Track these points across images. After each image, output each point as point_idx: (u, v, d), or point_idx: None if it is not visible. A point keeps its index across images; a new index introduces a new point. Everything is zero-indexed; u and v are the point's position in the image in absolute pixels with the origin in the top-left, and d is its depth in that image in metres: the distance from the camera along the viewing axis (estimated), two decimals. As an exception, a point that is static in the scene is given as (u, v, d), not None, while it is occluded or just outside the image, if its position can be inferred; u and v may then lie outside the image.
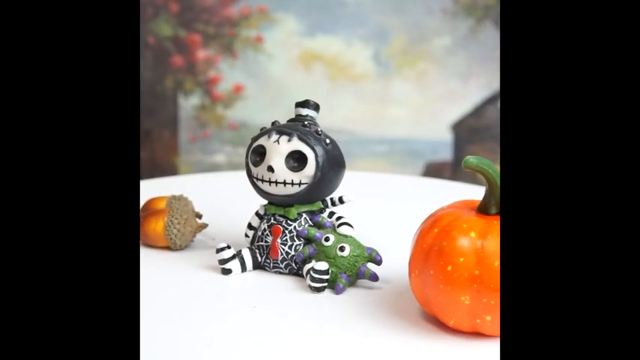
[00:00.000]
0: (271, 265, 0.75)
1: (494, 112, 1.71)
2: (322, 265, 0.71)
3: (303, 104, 0.79)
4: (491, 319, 0.61)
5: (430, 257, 0.63)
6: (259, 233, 0.76)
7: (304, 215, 0.75)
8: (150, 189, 1.06)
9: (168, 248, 0.81)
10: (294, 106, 0.79)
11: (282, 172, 0.72)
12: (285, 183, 0.73)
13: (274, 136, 0.74)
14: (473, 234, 0.62)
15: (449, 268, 0.61)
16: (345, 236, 0.74)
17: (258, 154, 0.75)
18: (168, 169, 1.76)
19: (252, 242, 0.78)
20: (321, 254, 0.73)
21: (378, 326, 0.66)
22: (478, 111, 1.72)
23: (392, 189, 1.11)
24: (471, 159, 0.65)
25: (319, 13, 1.70)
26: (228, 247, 0.76)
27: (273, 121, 0.78)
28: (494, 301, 0.60)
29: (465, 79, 1.71)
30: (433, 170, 1.74)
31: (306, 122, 0.76)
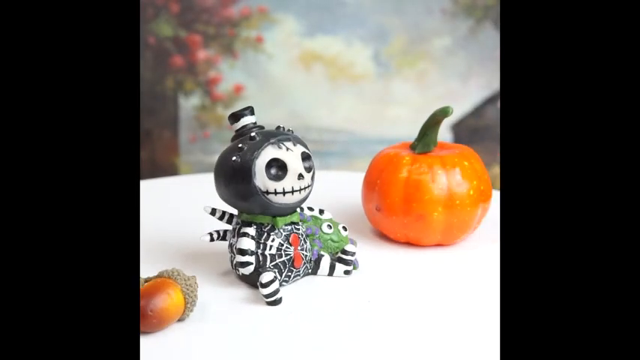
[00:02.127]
0: (292, 276, 0.74)
1: (494, 112, 1.71)
2: (351, 247, 0.76)
3: (249, 112, 0.73)
4: (417, 233, 0.81)
5: (376, 187, 0.82)
6: (273, 251, 0.72)
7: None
8: (150, 189, 1.06)
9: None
10: (231, 117, 0.73)
11: (306, 176, 0.71)
12: (307, 187, 0.72)
13: (284, 146, 0.70)
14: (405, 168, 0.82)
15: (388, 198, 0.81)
16: (332, 219, 0.79)
17: (278, 168, 0.70)
18: (168, 169, 1.76)
19: (262, 266, 0.72)
20: (327, 242, 0.76)
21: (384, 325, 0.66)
22: (478, 111, 1.72)
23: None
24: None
25: (319, 14, 1.70)
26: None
27: (246, 135, 0.72)
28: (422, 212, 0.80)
29: (464, 79, 1.71)
30: (433, 170, 1.74)
31: (280, 126, 0.74)
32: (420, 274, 0.77)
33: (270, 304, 0.70)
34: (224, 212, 0.76)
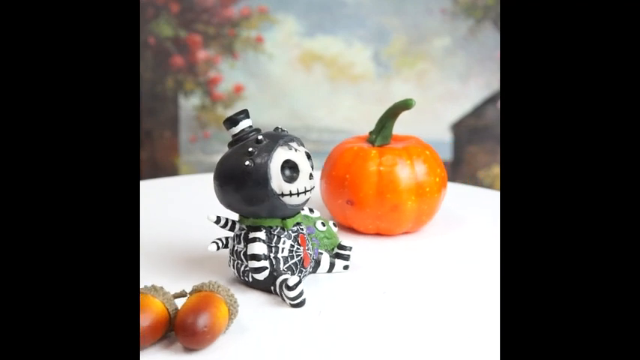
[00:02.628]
0: (302, 276, 0.74)
1: (494, 112, 1.71)
2: (347, 243, 0.76)
3: (245, 115, 0.72)
4: (390, 223, 0.84)
5: (346, 182, 0.84)
6: (286, 253, 0.71)
7: None
8: (150, 189, 1.06)
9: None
10: (228, 122, 0.72)
11: (313, 175, 0.72)
12: (313, 187, 0.72)
13: (289, 147, 0.70)
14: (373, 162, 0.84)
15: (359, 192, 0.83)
16: (321, 217, 0.80)
17: (290, 169, 0.70)
18: (168, 169, 1.76)
19: (276, 269, 0.71)
20: (323, 240, 0.77)
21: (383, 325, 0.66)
22: (478, 111, 1.72)
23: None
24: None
25: (319, 14, 1.71)
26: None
27: (253, 137, 0.71)
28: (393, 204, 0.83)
29: (464, 79, 1.71)
30: (433, 170, 1.74)
31: (278, 127, 0.74)
32: (409, 261, 0.80)
33: (295, 306, 0.70)
34: (227, 219, 0.74)
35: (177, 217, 0.93)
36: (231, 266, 0.73)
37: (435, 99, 1.71)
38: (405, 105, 0.85)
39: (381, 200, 0.83)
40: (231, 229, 0.74)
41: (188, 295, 0.65)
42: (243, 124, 0.72)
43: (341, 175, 0.85)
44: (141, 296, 0.62)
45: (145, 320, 0.61)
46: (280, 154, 0.69)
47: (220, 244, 0.73)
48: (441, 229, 0.90)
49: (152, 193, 1.05)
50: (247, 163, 0.68)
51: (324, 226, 0.78)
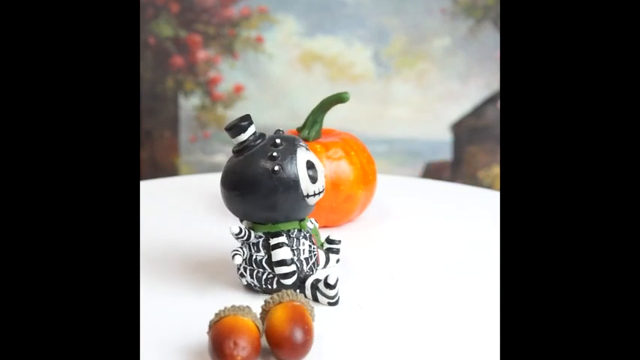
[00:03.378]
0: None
1: (494, 112, 1.71)
2: (336, 236, 0.77)
3: (249, 122, 0.71)
4: (342, 214, 0.86)
5: None
6: (307, 254, 0.72)
7: None
8: (150, 189, 1.06)
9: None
10: (235, 130, 0.71)
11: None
12: None
13: (305, 147, 0.71)
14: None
15: None
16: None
17: (311, 170, 0.70)
18: (168, 169, 1.76)
19: (301, 271, 0.71)
20: (316, 236, 0.77)
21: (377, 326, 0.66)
22: (478, 111, 1.72)
23: (391, 190, 1.11)
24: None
25: (319, 14, 1.70)
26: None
27: (271, 135, 0.71)
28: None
29: (464, 79, 1.71)
30: (433, 170, 1.74)
31: (279, 129, 0.74)
32: (377, 248, 0.83)
33: (333, 304, 0.70)
34: (245, 229, 0.71)
35: (178, 218, 0.93)
36: (249, 276, 0.71)
37: (435, 99, 1.71)
38: (339, 99, 0.87)
39: (335, 192, 0.85)
40: (248, 238, 0.71)
41: (264, 308, 0.63)
42: (250, 131, 0.70)
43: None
44: (231, 319, 0.60)
45: (246, 343, 0.58)
46: (302, 156, 0.69)
47: (242, 254, 0.71)
48: (441, 228, 0.90)
49: (152, 193, 1.05)
50: (276, 168, 0.68)
51: (312, 224, 0.77)
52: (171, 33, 1.71)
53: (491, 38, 1.68)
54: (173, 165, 1.76)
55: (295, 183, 0.68)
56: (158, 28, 1.71)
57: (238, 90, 1.74)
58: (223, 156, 1.76)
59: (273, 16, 1.71)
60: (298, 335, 0.59)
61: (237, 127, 0.70)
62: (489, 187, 1.71)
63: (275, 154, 0.68)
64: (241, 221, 0.72)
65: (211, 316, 0.62)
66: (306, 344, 0.59)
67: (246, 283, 0.72)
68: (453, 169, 1.74)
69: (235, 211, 0.71)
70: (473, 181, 1.73)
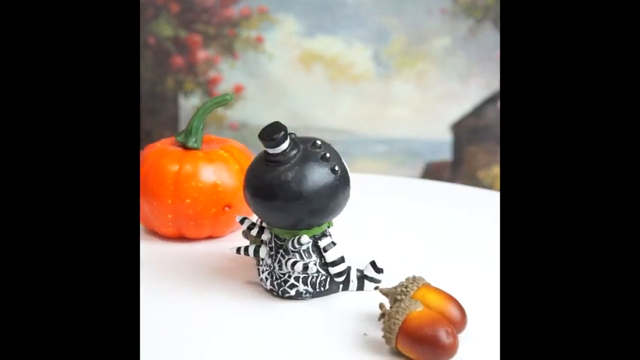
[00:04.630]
0: None
1: (494, 112, 1.71)
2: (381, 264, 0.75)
3: (285, 130, 0.69)
4: (221, 225, 0.83)
5: (146, 184, 0.82)
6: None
7: None
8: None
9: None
10: (276, 140, 0.68)
11: None
12: None
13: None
14: (175, 164, 0.82)
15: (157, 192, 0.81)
16: None
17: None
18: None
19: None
20: None
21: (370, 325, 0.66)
22: (478, 111, 1.72)
23: (391, 190, 1.11)
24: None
25: (319, 14, 1.70)
26: None
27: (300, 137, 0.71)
28: (191, 212, 0.81)
29: (464, 79, 1.71)
30: (433, 170, 1.74)
31: (293, 133, 0.73)
32: (378, 249, 0.79)
33: (377, 287, 0.70)
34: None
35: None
36: (303, 284, 0.70)
37: (435, 99, 1.71)
38: (222, 100, 0.84)
39: (216, 199, 0.81)
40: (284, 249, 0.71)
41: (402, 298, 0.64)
42: (288, 138, 0.69)
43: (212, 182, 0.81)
44: (425, 311, 0.62)
45: (451, 329, 0.60)
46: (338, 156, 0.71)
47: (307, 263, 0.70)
48: (441, 228, 0.90)
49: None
50: (336, 167, 0.69)
51: None
52: (171, 33, 1.71)
53: (491, 38, 1.68)
54: (173, 165, 1.76)
55: (348, 178, 0.70)
56: (158, 28, 1.71)
57: (238, 90, 1.74)
58: (223, 156, 1.76)
59: (273, 16, 1.71)
60: (444, 336, 0.60)
61: (279, 137, 0.67)
62: (489, 187, 1.71)
63: (327, 154, 0.69)
64: (266, 230, 0.71)
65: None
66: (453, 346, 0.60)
67: (293, 293, 0.70)
68: (453, 169, 1.74)
69: (286, 220, 0.69)
70: (473, 181, 1.73)
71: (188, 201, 0.80)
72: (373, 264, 0.73)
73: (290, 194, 0.67)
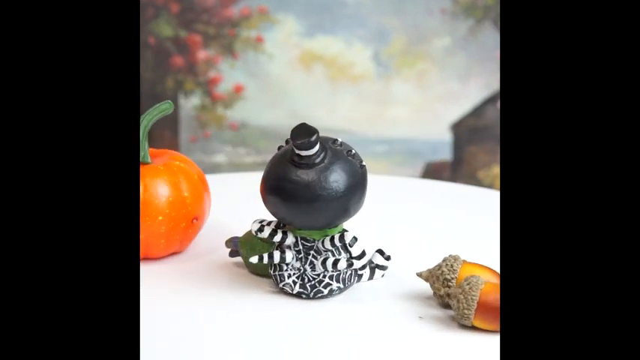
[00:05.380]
0: None
1: (494, 112, 1.71)
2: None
3: (317, 133, 0.69)
4: (187, 238, 0.79)
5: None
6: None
7: None
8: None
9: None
10: (309, 143, 0.67)
11: None
12: None
13: None
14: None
15: None
16: None
17: None
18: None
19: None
20: None
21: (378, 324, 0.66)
22: (478, 111, 1.72)
23: (391, 190, 1.11)
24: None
25: (319, 14, 1.71)
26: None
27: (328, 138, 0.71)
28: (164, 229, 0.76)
29: (464, 79, 1.71)
30: (433, 170, 1.74)
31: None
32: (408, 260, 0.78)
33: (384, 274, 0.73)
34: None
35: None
36: (336, 282, 0.70)
37: (435, 99, 1.71)
38: (163, 110, 0.79)
39: (187, 213, 0.78)
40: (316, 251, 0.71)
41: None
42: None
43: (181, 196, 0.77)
44: (492, 284, 0.65)
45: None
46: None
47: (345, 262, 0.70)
48: (440, 228, 0.90)
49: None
50: (364, 163, 0.70)
51: None
52: (171, 33, 1.71)
53: (491, 38, 1.68)
54: (173, 165, 1.76)
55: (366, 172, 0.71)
56: (158, 28, 1.71)
57: (238, 90, 1.74)
58: (223, 156, 1.76)
59: (273, 16, 1.71)
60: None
61: (314, 140, 0.67)
62: (489, 187, 1.71)
63: (353, 151, 0.70)
64: (282, 232, 0.71)
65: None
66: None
67: (326, 292, 0.70)
68: (453, 169, 1.75)
69: (323, 220, 0.69)
70: (473, 181, 1.73)
71: (160, 218, 0.76)
72: (381, 252, 0.74)
73: (332, 194, 0.67)
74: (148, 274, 0.76)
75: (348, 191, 0.68)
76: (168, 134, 1.76)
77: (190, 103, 1.75)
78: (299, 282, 0.70)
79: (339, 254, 0.70)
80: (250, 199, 0.82)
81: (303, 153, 0.67)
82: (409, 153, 1.74)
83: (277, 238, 0.70)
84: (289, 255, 0.70)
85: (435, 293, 0.69)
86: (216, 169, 1.74)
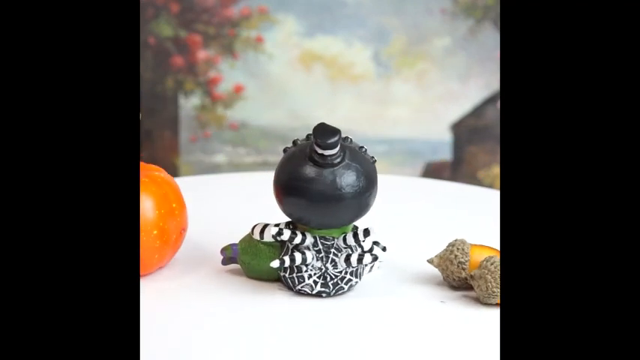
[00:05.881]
0: None
1: (494, 112, 1.71)
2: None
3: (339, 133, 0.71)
4: (156, 258, 0.74)
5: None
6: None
7: None
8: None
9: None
10: (335, 143, 0.69)
11: None
12: None
13: None
14: None
15: None
16: None
17: None
18: (168, 168, 1.75)
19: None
20: None
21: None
22: (478, 111, 1.72)
23: (391, 189, 1.11)
24: None
25: (319, 14, 1.70)
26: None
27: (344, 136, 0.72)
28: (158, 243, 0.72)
29: (464, 79, 1.71)
30: (433, 170, 1.74)
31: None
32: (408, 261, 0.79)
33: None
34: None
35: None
36: (355, 278, 0.71)
37: (435, 99, 1.71)
38: None
39: (177, 225, 0.75)
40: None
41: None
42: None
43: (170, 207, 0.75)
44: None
45: None
46: None
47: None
48: (440, 228, 0.90)
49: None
50: (374, 158, 0.73)
51: None
52: (171, 33, 1.71)
53: (491, 38, 1.68)
54: (173, 165, 1.76)
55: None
56: (158, 28, 1.71)
57: (238, 90, 1.74)
58: (223, 156, 1.76)
59: (273, 16, 1.71)
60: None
61: (338, 139, 0.69)
62: (489, 187, 1.71)
63: (364, 148, 0.72)
64: (297, 231, 0.71)
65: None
66: None
67: (346, 288, 0.71)
68: (453, 169, 1.74)
69: (346, 217, 0.70)
70: (473, 181, 1.73)
71: (155, 232, 0.72)
72: (376, 243, 0.73)
73: (357, 191, 0.69)
74: (145, 287, 0.75)
75: (369, 187, 0.70)
76: (168, 134, 1.75)
77: (190, 103, 1.74)
78: (320, 281, 0.70)
79: (357, 250, 0.70)
80: (251, 200, 0.83)
81: (327, 152, 0.67)
82: (409, 153, 1.74)
83: (297, 240, 0.70)
84: (310, 255, 0.69)
85: (446, 277, 0.72)
86: (216, 169, 1.74)
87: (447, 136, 1.73)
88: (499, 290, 0.66)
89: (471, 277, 0.69)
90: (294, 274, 0.70)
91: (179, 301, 0.71)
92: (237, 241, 0.75)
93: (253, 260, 0.73)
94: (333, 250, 0.70)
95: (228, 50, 1.72)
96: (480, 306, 0.69)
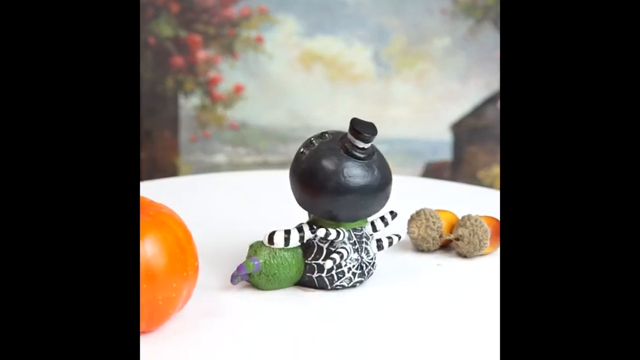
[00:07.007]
0: None
1: (494, 112, 1.71)
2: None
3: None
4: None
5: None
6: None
7: None
8: (150, 190, 1.06)
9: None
10: (370, 138, 0.71)
11: None
12: None
13: None
14: None
15: None
16: None
17: None
18: (168, 168, 1.76)
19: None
20: None
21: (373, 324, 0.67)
22: (478, 111, 1.72)
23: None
24: None
25: (319, 14, 1.71)
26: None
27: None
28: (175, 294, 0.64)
29: (464, 79, 1.71)
30: (433, 170, 1.75)
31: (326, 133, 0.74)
32: (410, 262, 0.78)
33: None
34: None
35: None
36: (369, 268, 0.73)
37: (435, 99, 1.71)
38: None
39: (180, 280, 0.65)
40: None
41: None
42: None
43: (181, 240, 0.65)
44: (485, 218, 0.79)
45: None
46: None
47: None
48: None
49: (152, 193, 1.04)
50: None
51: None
52: (171, 33, 1.71)
53: (491, 38, 1.69)
54: (173, 165, 1.76)
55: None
56: (158, 28, 1.71)
57: (238, 90, 1.74)
58: (223, 156, 1.76)
59: (273, 16, 1.71)
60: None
61: (375, 130, 0.72)
62: (489, 187, 1.72)
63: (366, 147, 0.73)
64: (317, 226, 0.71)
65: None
66: None
67: (374, 272, 0.74)
68: (453, 169, 1.75)
69: (380, 206, 0.72)
70: (473, 181, 1.73)
71: (174, 285, 0.63)
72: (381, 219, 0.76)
73: (389, 181, 0.72)
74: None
75: (391, 177, 0.73)
76: (168, 134, 1.76)
77: (190, 103, 1.75)
78: (358, 272, 0.71)
79: (368, 243, 0.73)
80: (250, 200, 0.83)
81: (366, 145, 0.71)
82: (409, 153, 1.74)
83: (332, 236, 0.69)
84: (350, 249, 0.71)
85: (425, 244, 0.79)
86: (216, 169, 1.74)
87: (447, 136, 1.73)
88: (487, 240, 0.76)
89: (459, 236, 0.76)
90: (334, 272, 0.70)
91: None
92: (248, 253, 0.71)
93: (279, 270, 0.70)
94: (364, 239, 0.72)
95: (228, 50, 1.72)
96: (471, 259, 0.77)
